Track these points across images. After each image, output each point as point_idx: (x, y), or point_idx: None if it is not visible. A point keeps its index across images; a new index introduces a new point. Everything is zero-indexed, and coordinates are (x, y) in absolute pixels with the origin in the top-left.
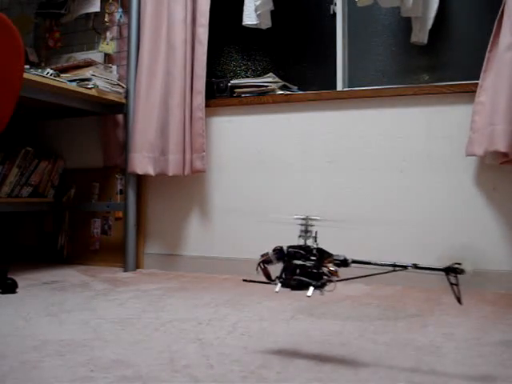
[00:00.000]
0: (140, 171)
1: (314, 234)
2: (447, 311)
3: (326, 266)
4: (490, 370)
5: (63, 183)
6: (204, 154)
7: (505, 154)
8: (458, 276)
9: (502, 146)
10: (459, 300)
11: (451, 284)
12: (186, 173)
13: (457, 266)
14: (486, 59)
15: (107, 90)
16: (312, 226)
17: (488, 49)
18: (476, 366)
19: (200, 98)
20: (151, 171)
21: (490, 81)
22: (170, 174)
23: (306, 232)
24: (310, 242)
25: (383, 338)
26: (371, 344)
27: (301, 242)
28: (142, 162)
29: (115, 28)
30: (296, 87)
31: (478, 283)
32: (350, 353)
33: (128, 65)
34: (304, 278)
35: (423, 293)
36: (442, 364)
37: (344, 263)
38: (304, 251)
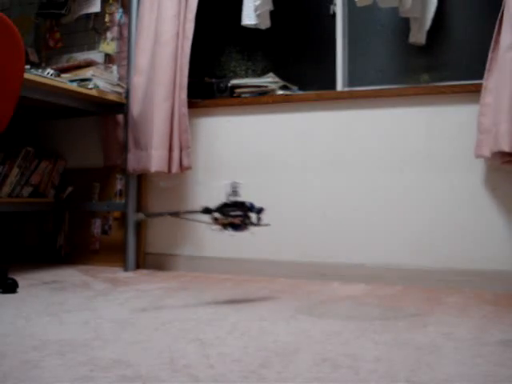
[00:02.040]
0: (130, 169)
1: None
2: (447, 311)
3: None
4: (490, 369)
5: (63, 183)
6: (189, 151)
7: (507, 154)
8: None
9: (506, 146)
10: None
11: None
12: (174, 170)
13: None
14: (488, 60)
15: (107, 90)
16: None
17: (490, 49)
18: (476, 366)
19: (184, 94)
20: (136, 168)
21: (494, 81)
22: (153, 170)
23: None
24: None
25: (383, 338)
26: (371, 344)
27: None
28: (131, 160)
29: (115, 28)
30: (296, 87)
31: (478, 283)
32: (350, 353)
33: (128, 65)
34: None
35: (423, 293)
36: (441, 364)
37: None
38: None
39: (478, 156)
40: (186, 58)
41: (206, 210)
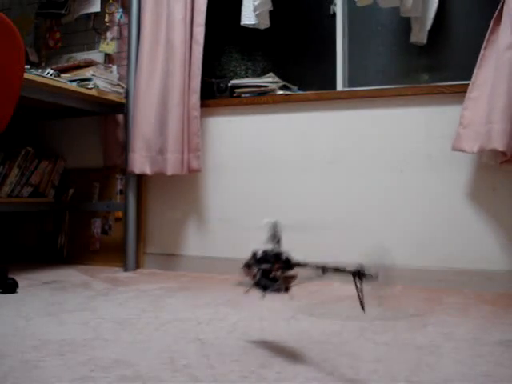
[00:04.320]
0: (137, 171)
1: (280, 239)
2: (447, 311)
3: (277, 271)
4: (490, 369)
5: (63, 183)
6: (199, 154)
7: (503, 154)
8: (364, 280)
9: (499, 145)
10: (362, 305)
11: (357, 288)
12: (183, 172)
13: (363, 269)
14: (480, 56)
15: (107, 90)
16: (280, 230)
17: (483, 46)
18: (476, 366)
19: (195, 98)
20: (148, 171)
21: (484, 78)
22: (169, 173)
23: (273, 237)
24: (277, 246)
25: (383, 338)
26: (371, 344)
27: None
28: (139, 162)
29: (115, 28)
30: (296, 87)
31: (478, 283)
32: (350, 353)
33: (128, 65)
34: (267, 282)
35: (423, 292)
36: (441, 364)
37: (287, 265)
38: (268, 256)
39: (456, 149)
40: (198, 63)
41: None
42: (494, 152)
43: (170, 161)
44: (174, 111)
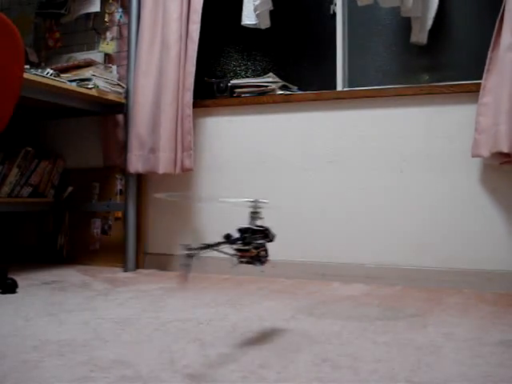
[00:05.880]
0: (132, 170)
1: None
2: (447, 311)
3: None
4: (490, 369)
5: (63, 183)
6: (191, 152)
7: (506, 155)
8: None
9: (505, 147)
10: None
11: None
12: (176, 171)
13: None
14: (488, 60)
15: (107, 90)
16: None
17: (490, 49)
18: (476, 366)
19: (188, 96)
20: (140, 169)
21: (493, 81)
22: (161, 172)
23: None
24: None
25: (383, 338)
26: (371, 344)
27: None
28: (134, 161)
29: (115, 28)
30: (296, 87)
31: (478, 283)
32: (350, 353)
33: (128, 65)
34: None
35: (423, 293)
36: (441, 364)
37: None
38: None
39: (474, 156)
40: (192, 60)
41: (229, 239)
42: (499, 153)
43: (161, 159)
44: (168, 109)
